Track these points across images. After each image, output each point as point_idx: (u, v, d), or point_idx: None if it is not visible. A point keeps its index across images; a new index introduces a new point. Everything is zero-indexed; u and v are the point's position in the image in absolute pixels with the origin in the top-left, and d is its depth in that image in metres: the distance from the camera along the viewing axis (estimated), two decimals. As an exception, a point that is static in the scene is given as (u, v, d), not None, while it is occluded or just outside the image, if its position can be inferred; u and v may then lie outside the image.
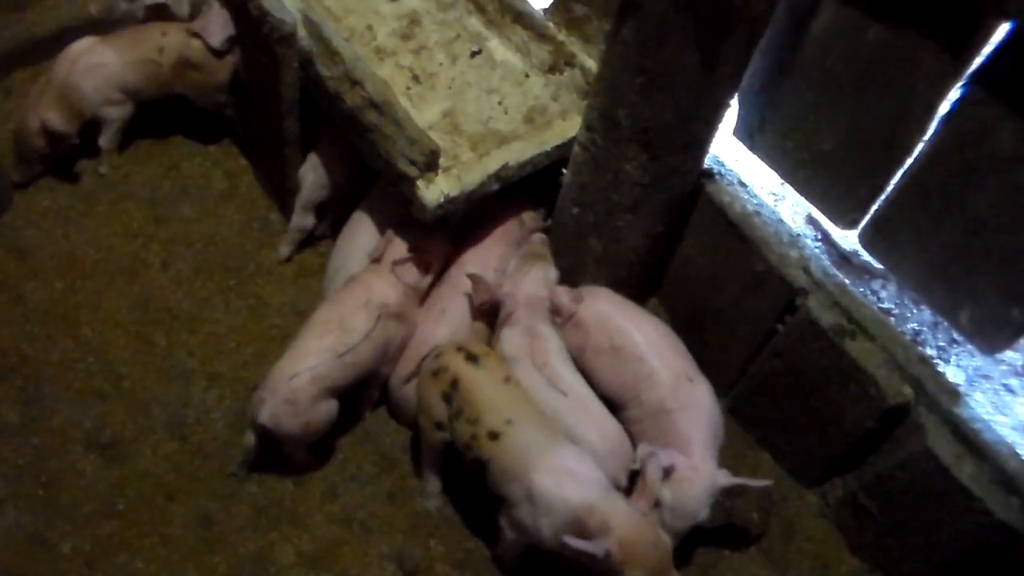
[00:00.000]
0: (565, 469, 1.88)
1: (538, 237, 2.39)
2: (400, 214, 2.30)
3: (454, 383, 1.99)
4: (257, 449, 2.17)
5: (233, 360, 2.42)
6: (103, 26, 2.92)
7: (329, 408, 2.14)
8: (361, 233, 2.43)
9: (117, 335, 2.43)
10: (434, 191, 2.08)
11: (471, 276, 2.22)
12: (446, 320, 2.27)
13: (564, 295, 2.25)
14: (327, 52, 2.20)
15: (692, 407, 2.11)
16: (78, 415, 2.29)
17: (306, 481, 2.24)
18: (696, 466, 2.03)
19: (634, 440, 2.14)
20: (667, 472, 2.01)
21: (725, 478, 2.05)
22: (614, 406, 2.19)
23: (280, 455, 2.20)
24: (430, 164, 2.07)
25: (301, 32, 2.24)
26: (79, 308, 2.46)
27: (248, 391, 2.33)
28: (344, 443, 2.31)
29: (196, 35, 2.58)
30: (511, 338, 2.20)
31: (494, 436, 1.93)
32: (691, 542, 2.19)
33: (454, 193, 2.10)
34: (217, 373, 2.39)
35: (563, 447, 1.93)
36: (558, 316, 2.25)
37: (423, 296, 2.32)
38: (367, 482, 2.27)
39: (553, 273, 2.31)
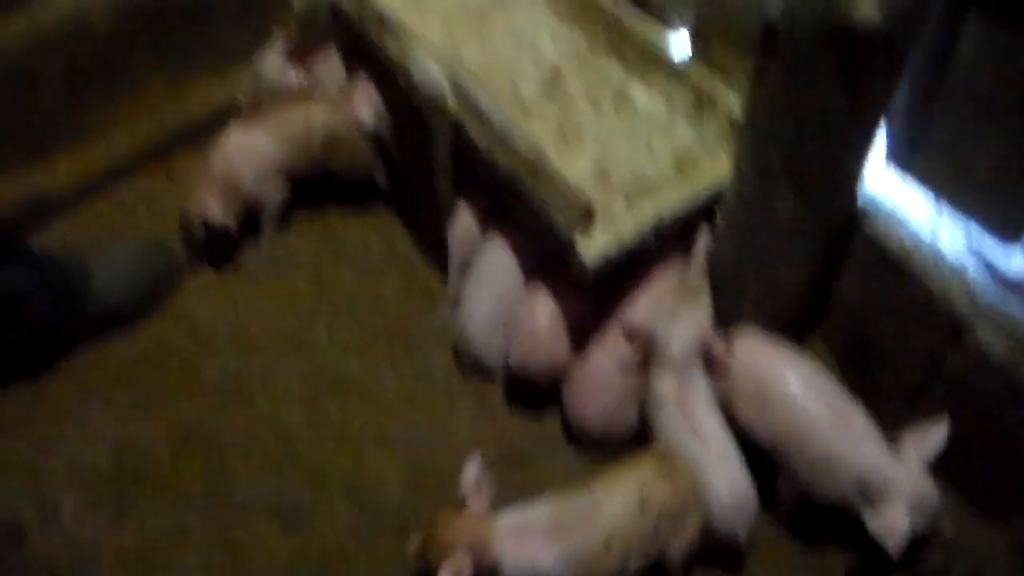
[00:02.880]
0: None
1: (696, 268, 2.45)
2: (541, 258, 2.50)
3: None
4: None
5: (403, 423, 2.59)
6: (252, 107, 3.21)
7: None
8: (502, 255, 2.58)
9: (291, 406, 2.63)
10: (594, 249, 2.21)
11: (626, 326, 2.33)
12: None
13: (716, 344, 2.31)
14: (476, 116, 2.36)
15: (857, 442, 2.15)
16: (258, 486, 2.48)
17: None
18: (900, 483, 2.08)
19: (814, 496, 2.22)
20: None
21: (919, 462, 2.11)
22: (776, 459, 2.26)
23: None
24: (587, 220, 2.20)
25: (450, 99, 2.42)
26: (253, 381, 2.68)
27: (420, 454, 2.52)
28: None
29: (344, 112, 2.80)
30: (662, 378, 2.29)
31: None
32: None
33: (613, 250, 2.23)
34: (389, 437, 2.56)
35: None
36: (709, 364, 2.33)
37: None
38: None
39: (707, 313, 2.39)
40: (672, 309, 2.36)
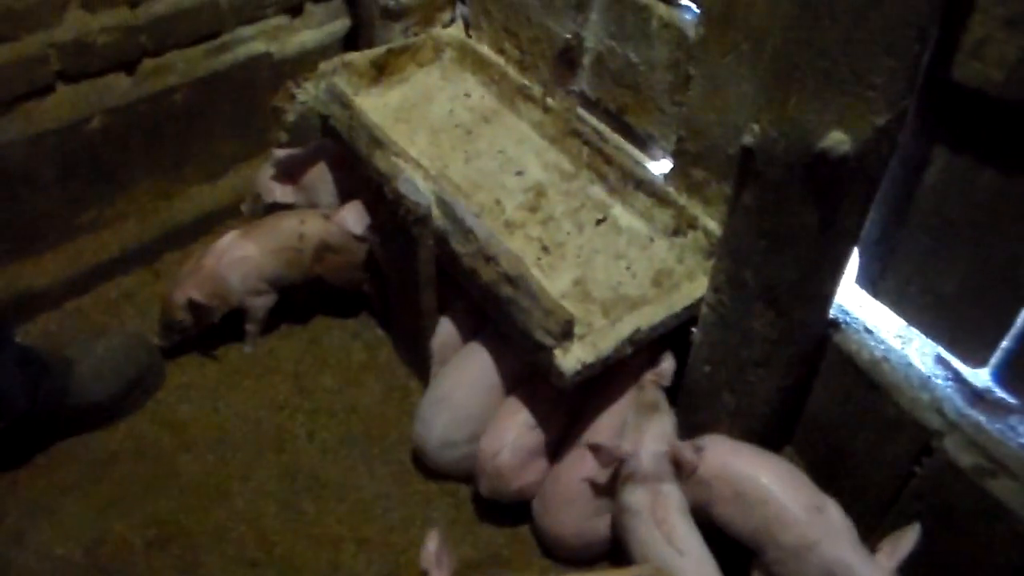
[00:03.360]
0: None
1: (650, 385, 2.54)
2: (522, 367, 2.58)
3: None
4: None
5: (380, 525, 2.62)
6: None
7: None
8: (473, 366, 2.67)
9: (268, 504, 2.66)
10: (571, 359, 2.30)
11: (592, 447, 2.38)
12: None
13: (686, 450, 2.39)
14: (461, 231, 2.47)
15: (832, 532, 2.23)
16: (233, 583, 2.50)
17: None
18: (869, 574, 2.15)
19: None
20: None
21: (889, 563, 2.17)
22: (753, 552, 2.32)
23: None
24: (566, 333, 2.29)
25: (435, 212, 2.52)
26: (231, 479, 2.71)
27: (396, 554, 2.55)
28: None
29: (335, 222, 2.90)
30: (634, 492, 2.34)
31: None
32: None
33: (590, 360, 2.31)
34: (365, 538, 2.59)
35: None
36: (680, 470, 2.40)
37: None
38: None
39: (670, 424, 2.46)
40: (635, 424, 2.43)
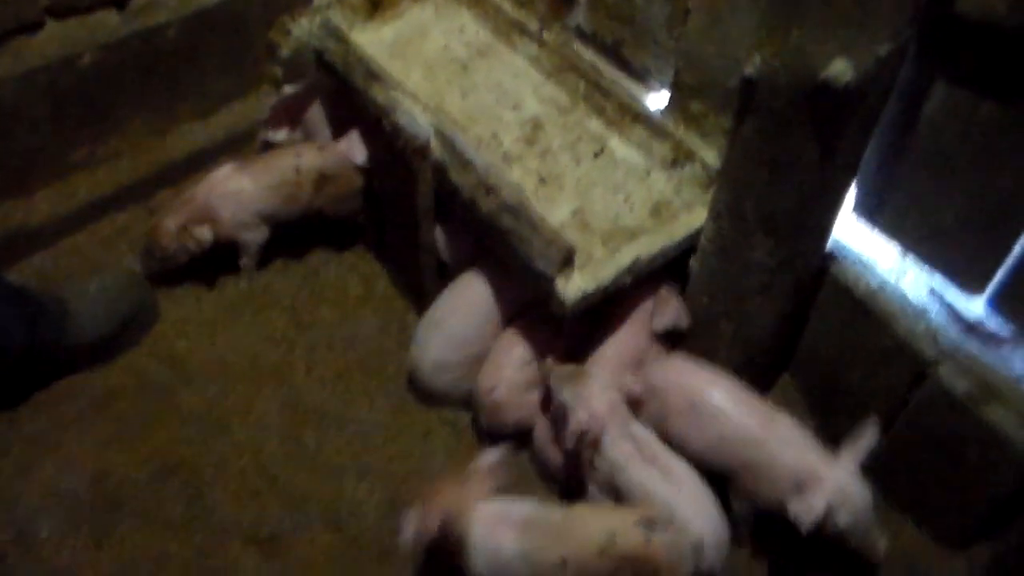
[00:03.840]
0: None
1: (555, 367, 2.52)
2: (520, 298, 2.62)
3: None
4: None
5: (381, 455, 2.67)
6: (236, 147, 3.33)
7: None
8: (471, 292, 2.70)
9: (269, 436, 2.70)
10: (572, 288, 2.33)
11: (564, 440, 2.39)
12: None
13: (631, 381, 2.47)
14: (460, 162, 2.49)
15: (789, 440, 2.31)
16: (237, 512, 2.53)
17: (459, 570, 2.45)
18: (828, 476, 2.22)
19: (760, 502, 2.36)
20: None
21: (850, 461, 2.25)
22: (715, 474, 2.39)
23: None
24: (566, 262, 2.32)
25: (434, 144, 2.54)
26: (231, 412, 2.74)
27: (397, 483, 2.60)
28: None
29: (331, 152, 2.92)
30: (615, 446, 2.37)
31: None
32: None
33: (591, 289, 2.35)
34: (367, 468, 2.64)
35: None
36: (634, 400, 2.47)
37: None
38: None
39: (598, 376, 2.47)
40: (572, 395, 2.41)
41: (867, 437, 2.28)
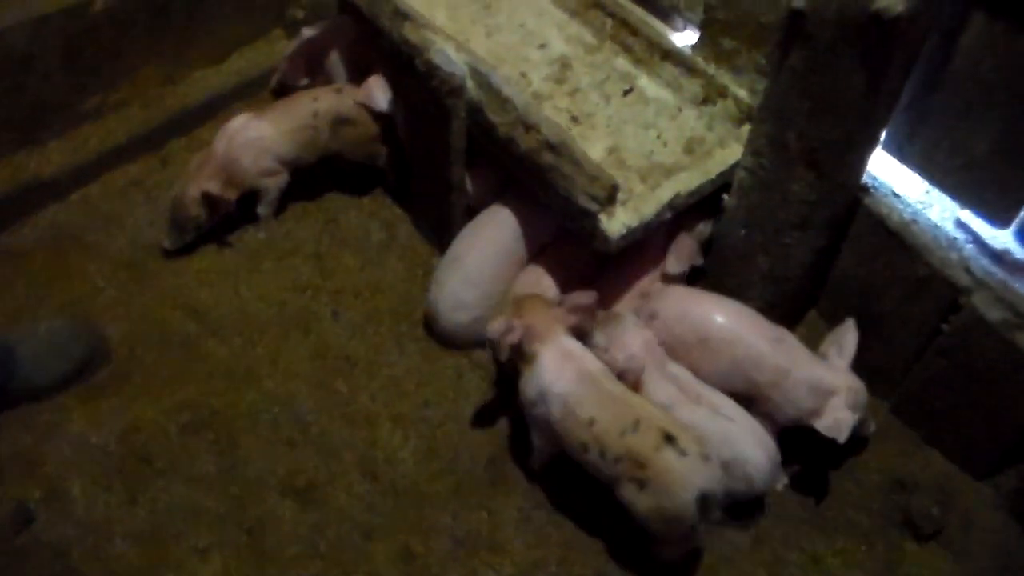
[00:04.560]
0: None
1: (585, 311, 2.52)
2: (543, 236, 2.65)
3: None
4: None
5: (413, 400, 2.68)
6: (249, 93, 3.29)
7: None
8: (490, 228, 2.70)
9: (299, 385, 2.69)
10: (616, 223, 2.35)
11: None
12: None
13: (640, 312, 2.54)
14: (497, 100, 2.48)
15: (798, 357, 2.43)
16: (271, 463, 2.53)
17: (499, 510, 2.48)
18: (840, 384, 2.37)
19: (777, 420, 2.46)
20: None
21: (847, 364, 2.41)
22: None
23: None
24: (610, 198, 2.34)
25: (470, 83, 2.53)
26: (260, 361, 2.73)
27: (432, 429, 2.61)
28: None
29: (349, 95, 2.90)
30: (658, 391, 2.40)
31: None
32: (874, 537, 2.47)
33: (634, 224, 2.37)
34: (400, 414, 2.65)
35: None
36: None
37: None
38: (559, 505, 2.50)
39: (631, 318, 2.51)
40: (608, 337, 2.46)
41: (850, 337, 2.43)
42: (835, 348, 2.45)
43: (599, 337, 2.44)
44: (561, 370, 2.30)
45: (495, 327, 2.32)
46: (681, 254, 2.61)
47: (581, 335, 2.45)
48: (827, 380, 2.37)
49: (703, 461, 2.16)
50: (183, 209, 2.84)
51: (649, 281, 2.65)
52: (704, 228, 2.63)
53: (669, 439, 2.14)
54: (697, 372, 2.47)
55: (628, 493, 2.20)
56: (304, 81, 3.15)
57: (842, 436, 2.31)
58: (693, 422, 2.31)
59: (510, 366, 2.41)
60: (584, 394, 2.27)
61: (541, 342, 2.33)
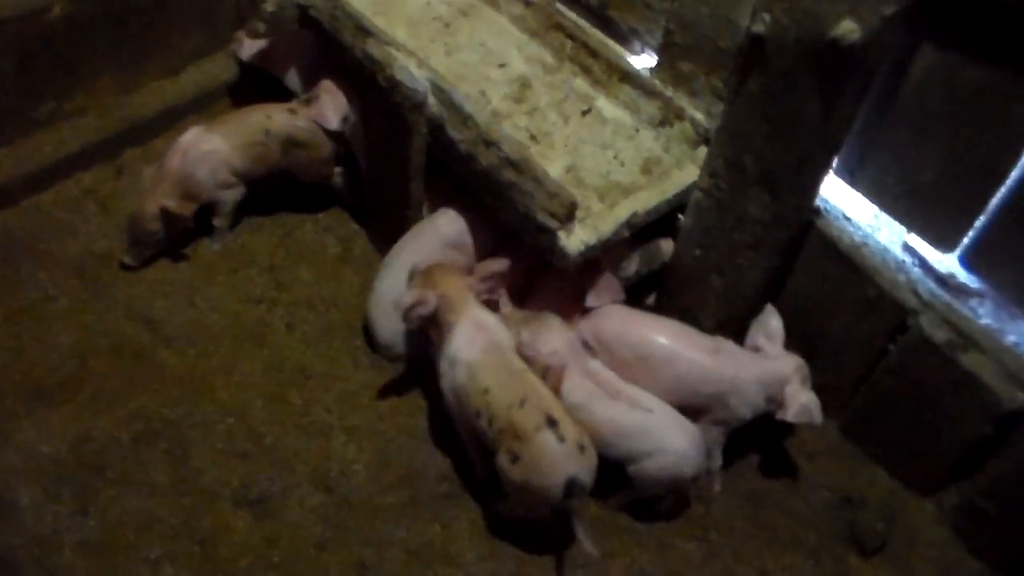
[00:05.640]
0: None
1: (510, 312, 2.64)
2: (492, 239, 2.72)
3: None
4: None
5: (368, 414, 2.70)
6: (205, 105, 3.30)
7: None
8: (426, 234, 2.73)
9: (253, 396, 2.71)
10: (575, 241, 2.41)
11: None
12: None
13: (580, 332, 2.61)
14: (459, 117, 2.53)
15: (739, 361, 2.52)
16: (225, 474, 2.54)
17: (452, 522, 2.52)
18: (787, 370, 2.49)
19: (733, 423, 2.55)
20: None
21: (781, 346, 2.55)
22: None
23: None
24: (569, 216, 2.39)
25: (431, 99, 2.57)
26: (214, 372, 2.74)
27: (386, 442, 2.63)
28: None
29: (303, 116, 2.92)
30: (573, 388, 2.46)
31: None
32: (821, 552, 2.55)
33: (592, 241, 2.42)
34: (354, 427, 2.67)
35: None
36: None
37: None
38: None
39: (556, 317, 2.58)
40: (532, 333, 2.52)
41: (773, 322, 2.55)
42: (762, 336, 2.56)
43: (525, 334, 2.51)
44: (472, 339, 2.42)
45: (408, 298, 2.42)
46: (602, 290, 2.65)
47: (491, 304, 2.57)
48: (775, 370, 2.48)
49: (579, 450, 2.28)
50: (141, 225, 2.84)
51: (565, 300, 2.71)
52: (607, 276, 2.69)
53: (551, 422, 2.27)
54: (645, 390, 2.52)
55: (503, 462, 2.31)
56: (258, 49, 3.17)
57: (816, 418, 2.45)
58: (611, 416, 2.41)
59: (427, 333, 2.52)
60: (488, 364, 2.39)
61: (455, 312, 2.44)
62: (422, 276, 2.49)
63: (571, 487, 2.25)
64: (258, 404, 2.69)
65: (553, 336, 2.50)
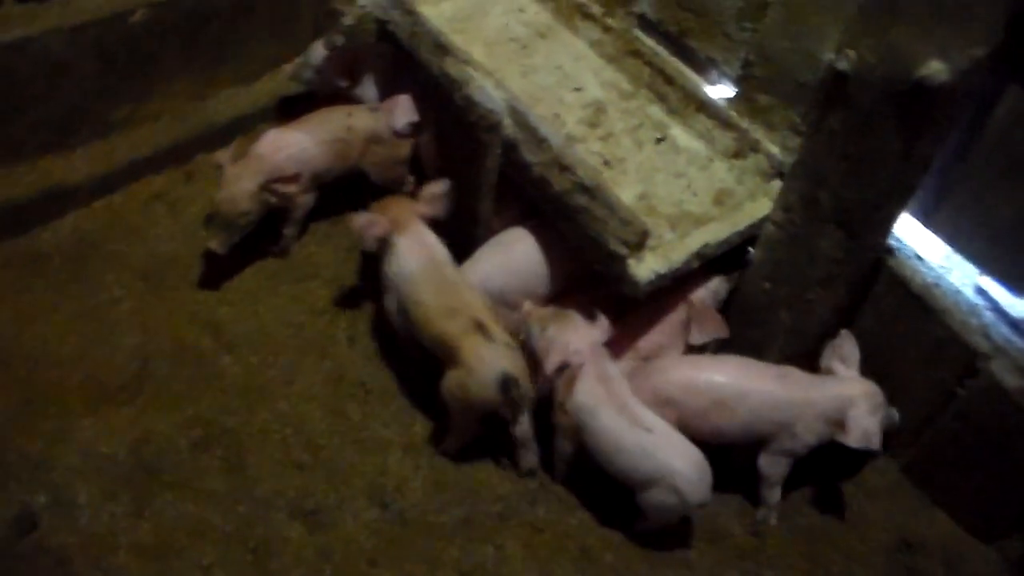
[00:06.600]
0: None
1: (535, 309, 2.61)
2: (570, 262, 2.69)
3: None
4: None
5: (425, 431, 2.71)
6: (277, 114, 3.35)
7: None
8: (520, 245, 2.74)
9: (312, 408, 2.73)
10: (645, 269, 2.41)
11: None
12: None
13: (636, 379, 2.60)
14: (534, 139, 2.55)
15: (808, 383, 2.53)
16: (280, 484, 2.56)
17: (506, 544, 2.51)
18: (856, 394, 2.48)
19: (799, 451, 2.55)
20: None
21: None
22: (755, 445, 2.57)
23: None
24: (640, 244, 2.40)
25: (507, 121, 2.58)
26: (274, 382, 2.77)
27: (442, 461, 2.64)
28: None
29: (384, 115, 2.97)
30: (585, 390, 2.48)
31: None
32: None
33: (663, 270, 2.43)
34: (412, 444, 2.69)
35: None
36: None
37: None
38: (563, 535, 2.55)
39: (579, 317, 2.57)
40: (556, 330, 2.51)
41: (850, 346, 2.56)
42: (837, 361, 2.55)
43: (550, 329, 2.52)
44: (413, 255, 2.63)
45: (359, 221, 2.65)
46: (703, 325, 2.65)
47: (436, 224, 2.75)
48: (842, 392, 2.47)
49: (508, 348, 2.45)
50: (237, 203, 2.80)
51: (647, 342, 2.72)
52: (720, 287, 2.71)
53: (480, 327, 2.44)
54: (720, 434, 2.54)
55: (443, 381, 2.52)
56: (341, 83, 3.17)
57: (874, 444, 2.43)
58: (611, 427, 2.43)
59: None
60: (425, 278, 2.60)
61: (401, 232, 2.62)
62: (376, 204, 2.73)
63: (506, 384, 2.39)
64: (317, 416, 2.71)
65: (578, 335, 2.51)
